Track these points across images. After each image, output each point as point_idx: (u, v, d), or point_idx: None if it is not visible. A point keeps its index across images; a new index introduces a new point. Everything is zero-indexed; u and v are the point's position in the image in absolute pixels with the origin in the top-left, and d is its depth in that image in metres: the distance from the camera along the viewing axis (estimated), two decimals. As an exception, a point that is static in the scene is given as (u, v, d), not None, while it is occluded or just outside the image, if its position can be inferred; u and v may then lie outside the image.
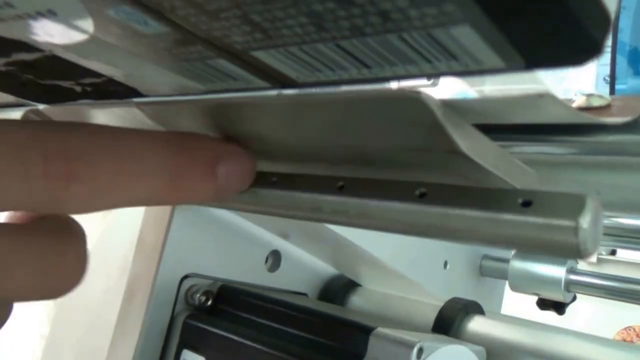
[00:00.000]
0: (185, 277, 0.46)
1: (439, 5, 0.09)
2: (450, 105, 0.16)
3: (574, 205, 0.15)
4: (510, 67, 0.12)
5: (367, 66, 0.14)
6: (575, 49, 0.10)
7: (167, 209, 0.46)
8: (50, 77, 0.22)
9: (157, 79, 0.19)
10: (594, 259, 1.63)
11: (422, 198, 0.19)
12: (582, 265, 0.81)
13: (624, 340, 1.67)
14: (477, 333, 0.50)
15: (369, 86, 0.15)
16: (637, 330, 1.65)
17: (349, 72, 0.14)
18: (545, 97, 0.15)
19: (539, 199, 0.16)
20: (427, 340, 0.35)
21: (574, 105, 0.26)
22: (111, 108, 0.27)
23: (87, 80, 0.22)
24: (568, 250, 0.15)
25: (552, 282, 0.75)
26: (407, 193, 0.19)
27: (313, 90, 0.17)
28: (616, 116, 0.23)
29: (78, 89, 0.24)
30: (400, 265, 0.59)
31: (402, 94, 0.15)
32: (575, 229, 0.15)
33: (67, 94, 0.25)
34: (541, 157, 0.28)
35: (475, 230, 0.17)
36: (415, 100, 0.15)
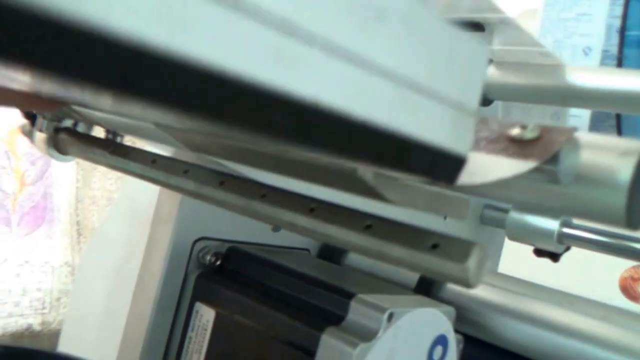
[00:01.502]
0: (198, 239, 0.53)
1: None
2: (383, 176, 0.22)
3: (465, 251, 0.21)
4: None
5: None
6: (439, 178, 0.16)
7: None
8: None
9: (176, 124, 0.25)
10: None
11: (367, 229, 0.25)
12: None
13: (632, 278, 1.62)
14: (455, 293, 0.56)
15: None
16: (645, 268, 1.59)
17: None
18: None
19: (444, 243, 0.22)
20: (399, 305, 0.42)
21: (510, 133, 0.30)
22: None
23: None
24: (460, 282, 0.21)
25: (545, 233, 0.78)
26: (357, 224, 0.25)
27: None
28: (535, 157, 0.26)
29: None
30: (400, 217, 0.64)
31: (343, 168, 0.21)
32: (464, 269, 0.21)
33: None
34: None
35: (401, 261, 0.23)
36: (353, 174, 0.21)
